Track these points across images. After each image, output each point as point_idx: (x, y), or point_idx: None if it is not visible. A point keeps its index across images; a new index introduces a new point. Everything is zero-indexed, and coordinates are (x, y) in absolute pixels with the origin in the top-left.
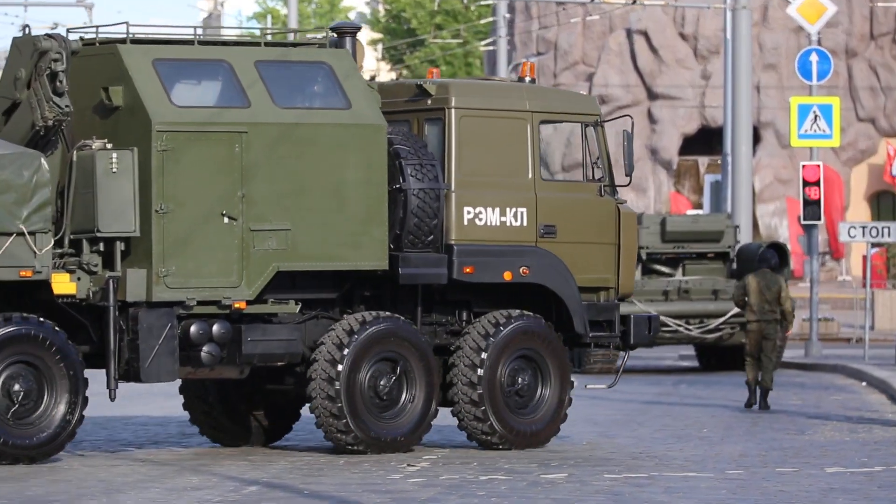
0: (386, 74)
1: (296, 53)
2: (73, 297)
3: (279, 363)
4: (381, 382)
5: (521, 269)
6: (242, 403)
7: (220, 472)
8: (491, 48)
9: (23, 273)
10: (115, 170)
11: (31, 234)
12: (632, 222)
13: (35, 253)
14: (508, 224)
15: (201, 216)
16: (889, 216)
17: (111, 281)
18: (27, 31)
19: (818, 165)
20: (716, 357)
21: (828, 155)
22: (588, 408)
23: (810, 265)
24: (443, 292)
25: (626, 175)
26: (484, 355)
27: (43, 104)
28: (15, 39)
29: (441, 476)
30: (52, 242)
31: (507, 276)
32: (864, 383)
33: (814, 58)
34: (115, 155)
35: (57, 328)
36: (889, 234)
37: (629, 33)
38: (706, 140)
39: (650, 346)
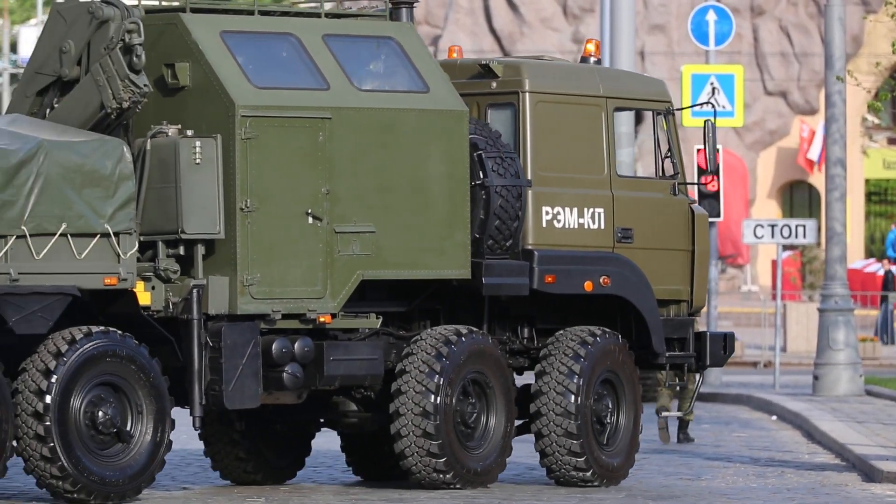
0: None
1: (360, 27)
2: (147, 308)
3: (359, 385)
4: (467, 409)
5: (601, 279)
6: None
7: None
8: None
9: (108, 280)
10: (198, 161)
11: (116, 234)
12: (705, 226)
13: (119, 257)
14: (586, 227)
15: (285, 215)
16: (804, 212)
17: (196, 290)
18: None
19: (717, 150)
20: None
21: (729, 137)
22: None
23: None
24: (504, 305)
25: (711, 173)
26: (578, 381)
27: (116, 83)
28: (57, 6)
29: None
30: (137, 245)
31: (588, 286)
32: (773, 417)
33: (711, 17)
34: (198, 144)
35: (140, 344)
36: (804, 235)
37: None
38: None
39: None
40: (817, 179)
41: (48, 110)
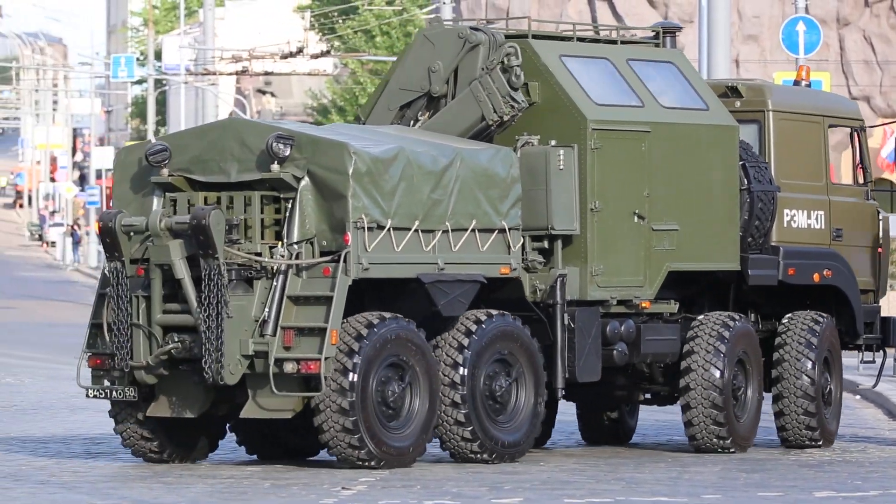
0: (315, 45)
1: (648, 52)
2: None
3: (661, 361)
4: (737, 383)
5: (825, 272)
6: None
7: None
8: (433, 17)
9: (502, 270)
10: (561, 167)
11: (509, 230)
12: (888, 227)
13: (510, 249)
14: (812, 227)
15: (619, 215)
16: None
17: (560, 279)
18: (438, 24)
19: None
20: None
21: None
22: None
23: None
24: (740, 293)
25: None
26: (812, 354)
27: (497, 99)
28: (424, 31)
29: (379, 501)
30: (522, 240)
31: (816, 278)
32: (857, 396)
33: (801, 27)
34: (561, 152)
35: (524, 325)
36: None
37: None
38: None
39: None
40: None
41: (412, 122)
